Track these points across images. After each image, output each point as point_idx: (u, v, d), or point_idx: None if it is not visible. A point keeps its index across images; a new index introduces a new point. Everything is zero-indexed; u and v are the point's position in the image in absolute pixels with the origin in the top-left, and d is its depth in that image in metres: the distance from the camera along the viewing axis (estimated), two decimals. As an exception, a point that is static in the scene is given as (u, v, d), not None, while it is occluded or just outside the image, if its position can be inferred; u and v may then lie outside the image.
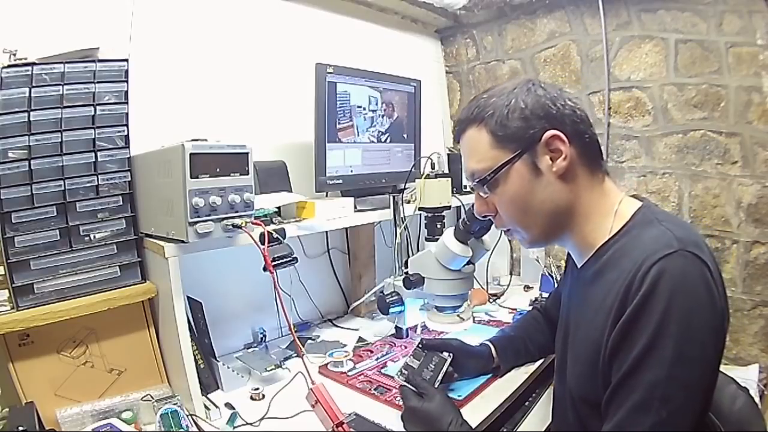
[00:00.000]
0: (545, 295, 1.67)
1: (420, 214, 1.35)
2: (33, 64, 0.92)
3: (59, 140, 0.94)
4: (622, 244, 0.68)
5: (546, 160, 0.68)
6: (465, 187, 1.81)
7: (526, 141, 0.68)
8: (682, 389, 0.57)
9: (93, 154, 0.98)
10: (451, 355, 0.97)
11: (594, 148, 0.72)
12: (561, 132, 0.68)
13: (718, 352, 0.61)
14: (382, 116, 1.57)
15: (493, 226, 1.09)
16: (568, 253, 0.95)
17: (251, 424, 0.98)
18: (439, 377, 0.94)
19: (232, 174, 0.94)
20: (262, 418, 1.00)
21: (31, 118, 0.91)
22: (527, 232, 0.74)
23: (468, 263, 1.10)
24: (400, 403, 0.90)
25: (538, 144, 0.68)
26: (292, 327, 0.96)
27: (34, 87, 0.91)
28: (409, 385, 0.89)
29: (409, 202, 1.44)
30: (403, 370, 0.97)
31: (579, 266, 0.77)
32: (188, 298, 1.07)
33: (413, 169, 1.43)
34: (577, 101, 0.72)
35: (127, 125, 1.02)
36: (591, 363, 0.67)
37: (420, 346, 1.00)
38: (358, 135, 1.50)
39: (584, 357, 0.69)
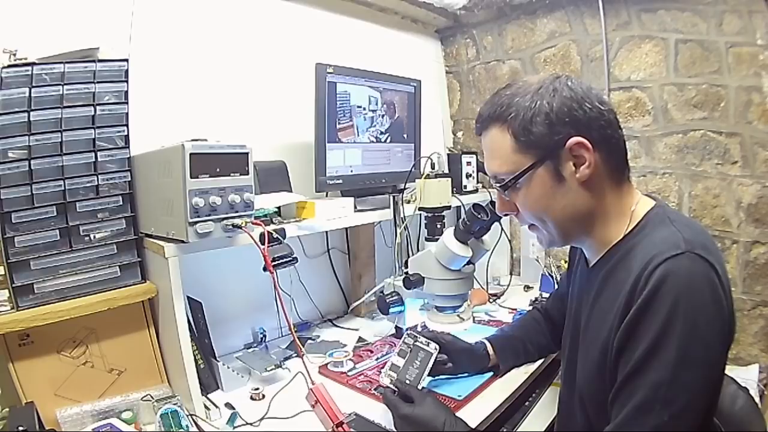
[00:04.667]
0: (545, 295, 1.67)
1: (420, 214, 1.35)
2: (33, 64, 0.92)
3: (59, 140, 0.94)
4: (633, 244, 0.68)
5: (569, 167, 0.67)
6: (465, 187, 1.82)
7: (549, 147, 0.66)
8: (685, 391, 0.56)
9: (93, 154, 0.98)
10: (437, 347, 0.96)
11: (619, 152, 0.70)
12: (586, 138, 0.65)
13: (723, 356, 0.60)
14: (382, 116, 1.57)
15: (493, 226, 1.10)
16: (571, 253, 0.95)
17: (251, 424, 0.98)
18: (425, 373, 0.93)
19: (232, 174, 0.94)
20: (262, 418, 1.00)
21: (31, 118, 0.91)
22: (547, 232, 0.74)
23: (468, 263, 1.10)
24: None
25: (562, 150, 0.66)
26: (292, 327, 0.96)
27: (34, 87, 0.91)
28: (392, 386, 0.90)
29: (409, 202, 1.44)
30: (389, 371, 0.95)
31: (591, 265, 0.77)
32: (188, 298, 1.07)
33: (413, 169, 1.43)
34: (605, 98, 0.70)
35: (127, 125, 1.02)
36: (599, 363, 0.67)
37: (406, 340, 0.98)
38: (358, 135, 1.50)
39: (593, 357, 0.69)
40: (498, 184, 0.73)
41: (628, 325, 0.60)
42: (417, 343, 0.97)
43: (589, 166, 0.66)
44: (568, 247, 0.91)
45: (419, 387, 0.92)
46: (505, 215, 0.79)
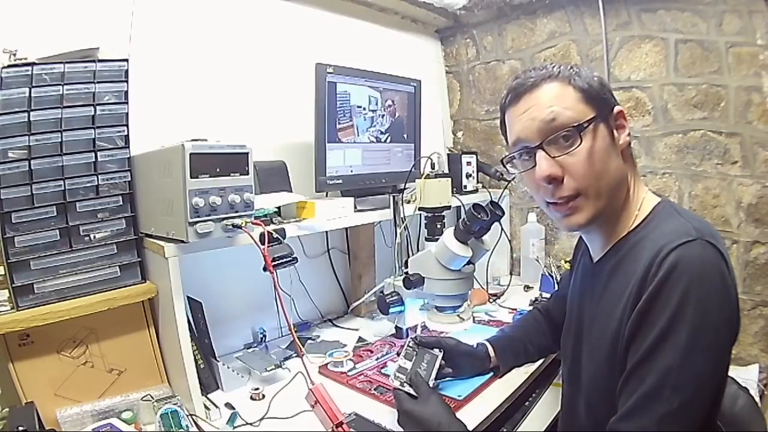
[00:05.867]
0: (545, 295, 1.67)
1: (420, 214, 1.35)
2: (33, 64, 0.92)
3: (59, 140, 0.94)
4: (641, 236, 0.68)
5: (614, 132, 0.71)
6: (465, 187, 1.82)
7: (606, 106, 0.70)
8: (695, 378, 0.56)
9: (93, 154, 0.98)
10: (441, 351, 0.97)
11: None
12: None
13: (730, 344, 0.60)
14: (382, 116, 1.57)
15: (493, 226, 1.10)
16: (575, 252, 0.95)
17: (251, 424, 0.98)
18: (433, 374, 0.94)
19: (232, 174, 0.94)
20: (262, 418, 1.00)
21: (31, 118, 0.91)
22: (594, 199, 0.68)
23: (468, 263, 1.10)
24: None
25: (611, 114, 0.71)
26: (292, 327, 0.96)
27: (34, 87, 0.91)
28: (403, 389, 0.88)
29: (409, 202, 1.44)
30: (398, 374, 0.93)
31: (596, 260, 0.77)
32: (188, 298, 1.07)
33: (413, 169, 1.43)
34: None
35: (127, 125, 1.02)
36: (609, 356, 0.66)
37: (411, 344, 0.98)
38: (358, 135, 1.50)
39: (602, 350, 0.69)
40: (562, 130, 0.67)
41: (640, 311, 0.60)
42: (421, 347, 0.99)
43: (629, 135, 0.71)
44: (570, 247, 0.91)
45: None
46: (549, 182, 0.69)
